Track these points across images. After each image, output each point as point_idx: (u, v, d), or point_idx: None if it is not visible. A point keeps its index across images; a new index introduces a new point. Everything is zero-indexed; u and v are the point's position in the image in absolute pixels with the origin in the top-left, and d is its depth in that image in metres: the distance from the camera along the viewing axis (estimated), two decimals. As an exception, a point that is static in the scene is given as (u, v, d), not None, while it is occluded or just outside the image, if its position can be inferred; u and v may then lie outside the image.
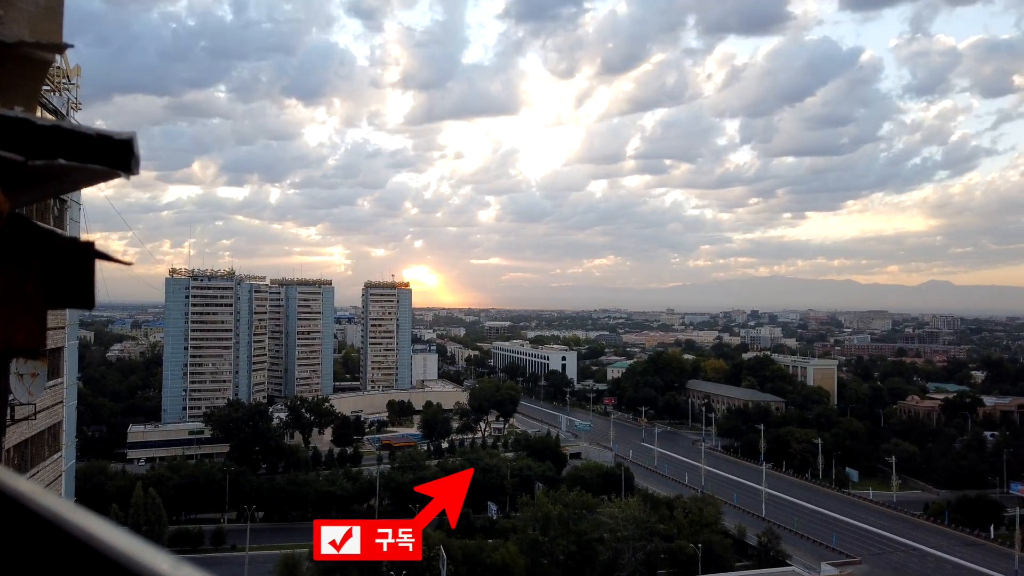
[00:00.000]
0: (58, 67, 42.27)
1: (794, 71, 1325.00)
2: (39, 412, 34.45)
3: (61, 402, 38.66)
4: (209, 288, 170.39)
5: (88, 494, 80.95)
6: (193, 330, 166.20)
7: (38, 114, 1.30)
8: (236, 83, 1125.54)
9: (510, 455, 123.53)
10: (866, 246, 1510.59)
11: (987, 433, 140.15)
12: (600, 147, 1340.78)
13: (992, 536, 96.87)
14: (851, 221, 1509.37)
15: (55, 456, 38.08)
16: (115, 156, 1.27)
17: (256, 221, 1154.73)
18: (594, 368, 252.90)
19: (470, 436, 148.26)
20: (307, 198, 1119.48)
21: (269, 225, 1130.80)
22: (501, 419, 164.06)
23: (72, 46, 1.53)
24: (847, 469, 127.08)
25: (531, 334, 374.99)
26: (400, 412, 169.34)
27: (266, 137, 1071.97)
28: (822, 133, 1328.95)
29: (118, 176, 1.31)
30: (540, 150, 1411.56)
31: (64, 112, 41.11)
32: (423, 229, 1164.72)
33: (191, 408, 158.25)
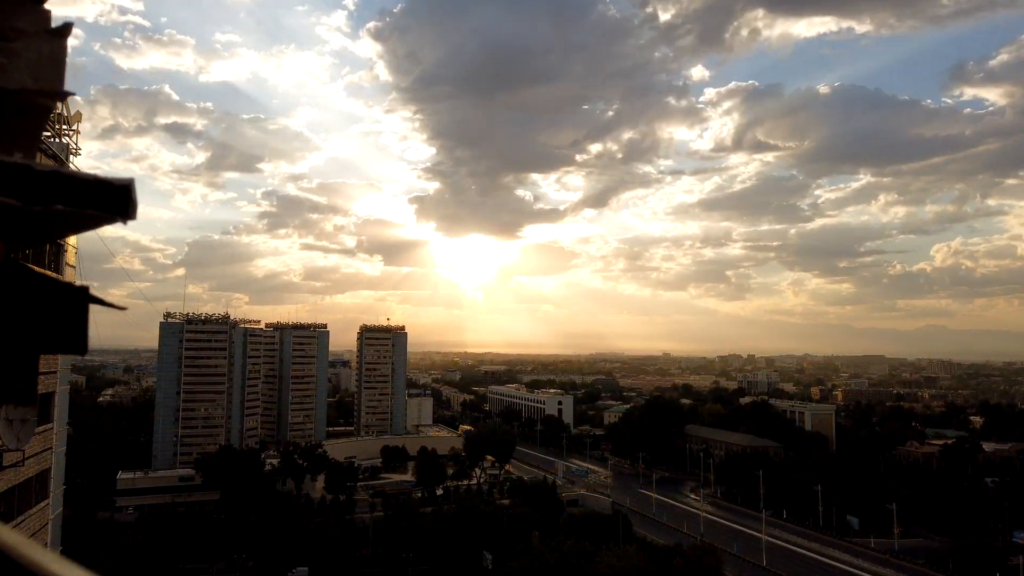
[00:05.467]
0: (59, 113, 42.82)
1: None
2: (27, 458, 33.88)
3: (50, 448, 38.03)
4: (203, 332, 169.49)
5: (75, 543, 79.13)
6: (186, 375, 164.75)
7: (38, 160, 1.32)
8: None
9: (506, 502, 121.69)
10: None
11: (987, 479, 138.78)
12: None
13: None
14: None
15: (42, 504, 37.29)
16: (113, 202, 1.28)
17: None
18: (591, 413, 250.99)
19: (465, 482, 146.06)
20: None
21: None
22: (497, 465, 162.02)
23: (73, 94, 1.54)
24: (848, 516, 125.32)
25: (527, 378, 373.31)
26: (394, 458, 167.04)
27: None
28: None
29: (115, 221, 1.32)
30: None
31: (64, 157, 41.44)
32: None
33: (182, 454, 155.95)
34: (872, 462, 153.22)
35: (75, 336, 1.40)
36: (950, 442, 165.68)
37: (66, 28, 1.44)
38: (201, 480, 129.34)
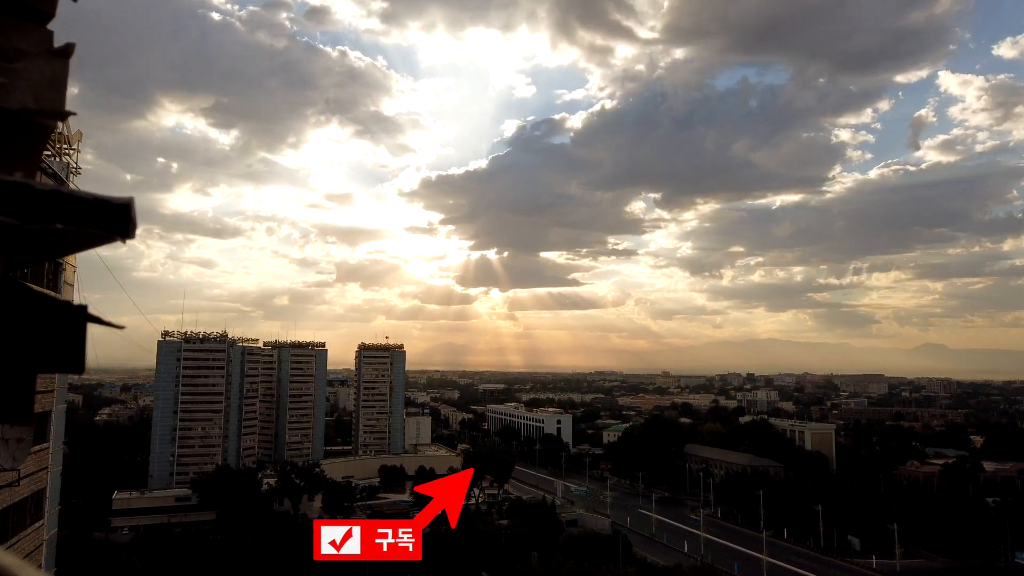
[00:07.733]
0: (59, 133, 42.97)
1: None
2: (22, 478, 33.63)
3: (46, 468, 37.76)
4: (201, 351, 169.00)
5: (69, 565, 78.38)
6: (183, 393, 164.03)
7: (38, 179, 1.33)
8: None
9: (504, 522, 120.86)
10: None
11: (989, 499, 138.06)
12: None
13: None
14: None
15: (37, 524, 36.96)
16: (112, 220, 1.28)
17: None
18: (590, 432, 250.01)
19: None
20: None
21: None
22: (495, 485, 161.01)
23: (74, 113, 1.52)
24: (849, 536, 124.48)
25: (526, 397, 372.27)
26: (392, 477, 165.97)
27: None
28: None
29: (115, 240, 1.32)
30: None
31: (64, 177, 41.54)
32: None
33: (179, 474, 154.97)
34: (873, 481, 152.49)
35: (72, 354, 1.39)
36: (951, 461, 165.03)
37: (68, 48, 1.45)
38: (197, 500, 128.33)
